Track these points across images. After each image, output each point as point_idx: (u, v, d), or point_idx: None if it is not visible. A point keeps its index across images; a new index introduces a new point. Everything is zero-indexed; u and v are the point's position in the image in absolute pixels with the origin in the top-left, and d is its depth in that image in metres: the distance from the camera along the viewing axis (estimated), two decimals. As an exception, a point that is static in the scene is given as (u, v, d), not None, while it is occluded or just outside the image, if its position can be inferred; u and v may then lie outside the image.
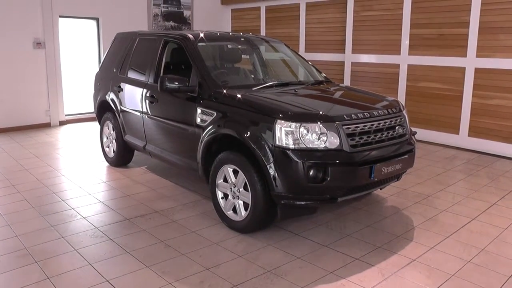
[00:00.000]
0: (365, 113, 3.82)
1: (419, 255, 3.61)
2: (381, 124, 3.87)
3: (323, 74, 5.32)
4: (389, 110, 4.02)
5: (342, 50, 8.28)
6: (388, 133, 3.93)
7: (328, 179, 3.51)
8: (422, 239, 3.90)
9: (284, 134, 3.54)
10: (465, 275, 3.31)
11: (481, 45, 6.47)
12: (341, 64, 8.27)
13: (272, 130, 3.58)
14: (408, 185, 5.29)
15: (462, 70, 6.73)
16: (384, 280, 3.25)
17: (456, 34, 6.71)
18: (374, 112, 3.88)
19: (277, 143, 3.55)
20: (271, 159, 3.56)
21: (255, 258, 3.52)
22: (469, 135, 6.78)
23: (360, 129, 3.71)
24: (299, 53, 5.57)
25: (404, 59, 7.37)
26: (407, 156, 4.04)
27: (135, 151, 5.79)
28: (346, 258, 3.54)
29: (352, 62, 8.17)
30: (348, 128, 3.65)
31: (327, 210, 4.45)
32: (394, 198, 4.88)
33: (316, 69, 5.36)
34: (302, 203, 3.68)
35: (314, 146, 3.54)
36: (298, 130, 3.52)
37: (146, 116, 5.01)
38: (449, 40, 6.81)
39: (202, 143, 4.14)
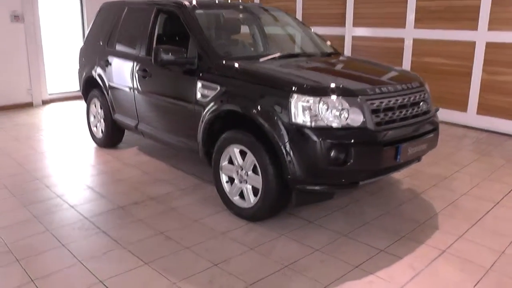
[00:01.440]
0: (388, 87, 3.35)
1: (448, 246, 3.20)
2: (405, 100, 3.41)
3: (331, 45, 4.82)
4: (412, 84, 3.56)
5: (342, 23, 7.77)
6: (413, 109, 3.47)
7: (351, 161, 3.05)
8: (448, 227, 3.49)
9: (301, 110, 3.06)
10: (502, 269, 2.91)
11: (494, 18, 6.02)
12: (341, 38, 7.76)
13: (287, 105, 3.10)
14: (421, 165, 4.86)
15: (472, 44, 6.28)
16: (416, 276, 2.83)
17: (467, 6, 6.24)
18: (397, 86, 3.42)
19: (293, 120, 3.07)
20: (286, 139, 3.08)
21: (268, 251, 3.07)
22: (477, 113, 6.37)
23: (385, 105, 3.25)
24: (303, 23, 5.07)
25: (409, 33, 6.90)
26: (432, 135, 3.60)
27: (126, 131, 5.25)
28: (370, 250, 3.11)
29: (353, 36, 7.67)
30: (373, 103, 3.18)
31: (340, 195, 4.01)
32: (409, 180, 4.46)
33: (324, 40, 4.86)
34: (320, 188, 3.22)
35: (335, 124, 3.07)
36: (317, 105, 3.05)
37: (137, 92, 4.47)
38: (459, 12, 6.34)
39: (204, 122, 3.64)
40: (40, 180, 4.34)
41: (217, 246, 3.12)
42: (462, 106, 6.50)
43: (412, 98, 3.47)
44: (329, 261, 2.97)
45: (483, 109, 6.33)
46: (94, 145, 5.45)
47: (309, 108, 3.05)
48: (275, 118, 3.13)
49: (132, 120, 4.69)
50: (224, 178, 3.61)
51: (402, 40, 7.03)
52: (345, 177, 3.21)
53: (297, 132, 3.07)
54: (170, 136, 4.18)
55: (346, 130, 3.10)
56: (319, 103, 3.05)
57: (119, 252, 3.01)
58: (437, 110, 3.92)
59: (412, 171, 4.66)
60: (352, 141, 3.08)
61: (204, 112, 3.62)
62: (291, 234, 3.30)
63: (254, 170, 3.35)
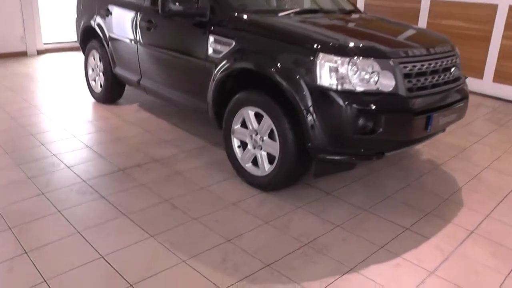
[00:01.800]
0: (421, 50, 2.96)
1: (476, 225, 2.89)
2: (437, 64, 3.02)
3: (350, 2, 4.37)
4: (444, 47, 3.17)
5: (354, -19, 7.24)
6: (445, 75, 3.10)
7: (380, 130, 2.70)
8: (473, 203, 3.18)
9: (328, 71, 2.67)
10: (541, 254, 2.62)
11: (519, -22, 5.55)
12: (353, -3, 7.24)
13: (311, 65, 2.70)
14: (439, 135, 4.52)
15: (493, 7, 5.82)
16: (446, 260, 2.52)
17: (492, -35, 5.75)
18: (430, 49, 3.03)
19: (318, 82, 2.69)
20: (310, 103, 2.71)
21: (285, 225, 2.75)
22: (493, 81, 5.99)
23: (417, 69, 2.87)
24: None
25: (427, -7, 6.41)
26: (462, 104, 3.24)
27: (126, 86, 4.82)
28: (395, 228, 2.81)
29: (365, -5, 7.16)
30: (405, 67, 2.80)
31: (359, 165, 3.66)
32: (427, 150, 4.13)
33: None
34: (343, 158, 2.87)
35: (364, 88, 2.69)
36: (345, 66, 2.66)
37: (141, 45, 4.02)
38: (482, -29, 5.85)
39: (215, 80, 3.24)
40: (34, 136, 3.95)
41: (228, 218, 2.79)
42: (478, 73, 6.10)
43: (444, 63, 3.09)
44: (351, 239, 2.66)
45: (499, 77, 5.95)
46: (92, 99, 5.03)
47: (336, 70, 2.66)
48: (298, 79, 2.74)
49: (134, 74, 4.26)
50: (235, 143, 3.25)
51: (418, 1, 6.54)
52: (371, 147, 2.86)
53: (322, 95, 2.70)
54: (176, 94, 3.78)
55: (376, 95, 2.73)
56: (348, 64, 2.66)
57: (120, 222, 2.68)
58: (466, 77, 3.55)
59: (430, 140, 4.31)
60: (382, 108, 2.71)
61: (216, 70, 3.21)
62: (308, 207, 2.97)
63: (271, 136, 2.99)
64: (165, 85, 3.89)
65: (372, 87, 2.70)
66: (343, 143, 2.78)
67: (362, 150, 2.85)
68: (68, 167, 3.35)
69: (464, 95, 3.29)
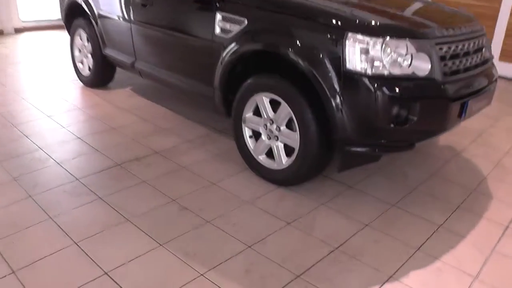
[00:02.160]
0: (455, 30, 2.61)
1: (509, 220, 2.61)
2: (470, 45, 2.69)
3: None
4: (474, 27, 2.82)
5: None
6: (477, 57, 2.76)
7: (414, 119, 2.36)
8: (502, 194, 2.90)
9: (358, 53, 2.30)
10: None
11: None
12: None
13: (340, 47, 2.33)
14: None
15: (501, -17, 5.50)
16: (487, 262, 2.24)
17: None
18: (463, 29, 2.68)
19: (348, 66, 2.32)
20: (338, 89, 2.35)
21: (309, 226, 2.42)
22: (500, 59, 5.70)
23: (452, 51, 2.53)
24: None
25: (430, -33, 6.03)
26: (492, 88, 2.92)
27: (117, 68, 4.37)
28: (427, 225, 2.50)
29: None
30: (441, 48, 2.46)
31: (376, 152, 3.34)
32: (445, 134, 3.79)
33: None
34: (372, 150, 2.53)
35: (397, 72, 2.34)
36: (378, 47, 2.29)
37: (135, 23, 3.58)
38: None
39: (223, 63, 2.84)
40: (17, 127, 3.51)
41: (245, 219, 2.44)
42: (482, 51, 5.80)
43: (476, 44, 2.76)
44: (384, 241, 2.34)
45: (505, 56, 5.66)
46: (79, 84, 4.56)
47: (367, 52, 2.30)
48: (324, 63, 2.37)
49: (127, 56, 3.82)
50: (247, 132, 2.88)
51: (421, -25, 6.16)
52: (403, 138, 2.53)
53: (351, 81, 2.34)
54: (177, 78, 3.36)
55: (411, 80, 2.38)
56: (381, 45, 2.29)
57: (123, 229, 2.31)
58: (493, 57, 3.22)
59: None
60: (418, 94, 2.37)
61: (225, 52, 2.81)
62: (331, 203, 2.64)
63: (289, 125, 2.64)
64: (164, 68, 3.47)
65: (406, 71, 2.35)
66: (374, 134, 2.44)
67: (393, 141, 2.52)
68: (58, 163, 2.94)
69: (493, 78, 2.97)
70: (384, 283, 2.04)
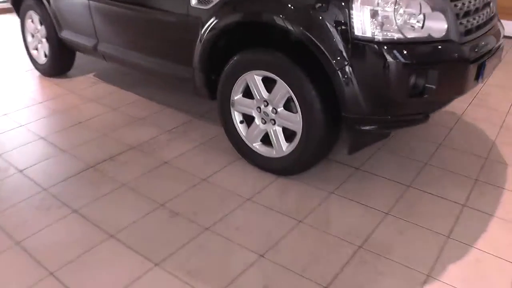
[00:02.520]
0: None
1: (532, 188, 2.35)
2: (481, 0, 2.34)
3: None
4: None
5: None
6: (486, 13, 2.42)
7: (433, 88, 2.01)
8: (515, 160, 2.64)
9: (368, 16, 1.91)
10: None
11: None
12: None
13: (346, 10, 1.93)
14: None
15: None
16: (528, 244, 1.95)
17: None
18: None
19: (355, 32, 1.93)
20: (346, 60, 1.96)
21: (323, 221, 2.07)
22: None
23: (466, 8, 2.17)
24: None
25: None
26: (501, 45, 2.60)
27: (77, 53, 3.82)
28: (450, 206, 2.20)
29: None
30: (456, 5, 2.09)
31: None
32: (440, 99, 3.51)
33: None
34: (383, 127, 2.18)
35: (413, 36, 1.97)
36: (392, 8, 1.91)
37: (95, 0, 3.05)
38: None
39: (203, 40, 2.40)
40: (-34, 130, 2.99)
41: (249, 221, 2.07)
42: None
43: (484, -2, 2.41)
44: (409, 231, 2.02)
45: (502, 13, 5.36)
46: (36, 73, 3.99)
47: (376, 14, 1.91)
48: (328, 29, 1.97)
49: (88, 39, 3.29)
50: (237, 117, 2.47)
51: None
52: (419, 109, 2.20)
53: (361, 49, 1.95)
54: (148, 59, 2.89)
55: (427, 44, 2.01)
56: (394, 5, 1.91)
57: (108, 247, 1.89)
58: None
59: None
60: (437, 59, 2.02)
61: (205, 28, 2.36)
62: (341, 191, 2.29)
63: (287, 106, 2.25)
64: (133, 49, 2.98)
65: (421, 33, 1.98)
66: (389, 108, 2.09)
67: (409, 115, 2.18)
68: (20, 171, 2.47)
69: (501, 35, 2.65)
70: (423, 286, 1.72)
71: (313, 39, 1.99)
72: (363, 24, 1.92)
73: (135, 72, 3.60)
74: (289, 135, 2.31)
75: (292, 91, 2.15)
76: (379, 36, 1.92)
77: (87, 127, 2.97)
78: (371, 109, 2.04)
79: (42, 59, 3.82)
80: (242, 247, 1.89)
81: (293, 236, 1.96)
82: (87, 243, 1.90)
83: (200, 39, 2.41)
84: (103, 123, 3.02)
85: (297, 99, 2.15)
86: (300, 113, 2.17)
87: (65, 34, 3.46)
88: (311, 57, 2.05)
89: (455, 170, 2.50)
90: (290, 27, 2.03)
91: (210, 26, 2.33)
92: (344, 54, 1.96)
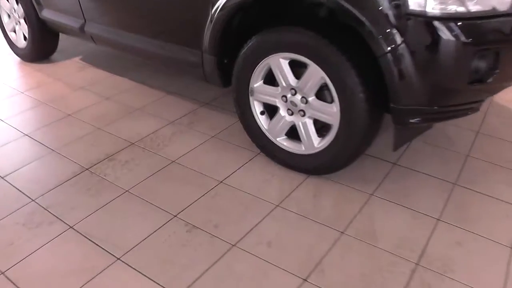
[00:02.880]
0: None
1: None
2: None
3: None
4: None
5: None
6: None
7: (497, 71, 1.67)
8: None
9: (425, -14, 1.55)
10: None
11: None
12: None
13: (399, -22, 1.56)
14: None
15: None
16: None
17: None
18: None
19: (411, 6, 1.56)
20: (398, 40, 1.60)
21: (370, 232, 1.73)
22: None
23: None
24: None
25: None
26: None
27: (61, 35, 3.37)
28: (506, 209, 1.88)
29: None
30: (518, -30, 1.73)
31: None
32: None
33: None
34: (439, 118, 1.86)
35: (477, 8, 1.60)
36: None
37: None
38: None
39: (214, 20, 2.01)
40: None
41: (283, 234, 1.72)
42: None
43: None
44: (468, 242, 1.70)
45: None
46: (16, 59, 3.53)
47: (436, -18, 1.55)
48: (376, 2, 1.60)
49: (74, 18, 2.84)
50: (257, 108, 2.10)
51: None
52: (477, 97, 1.86)
53: (417, 26, 1.59)
54: (147, 41, 2.47)
55: (492, 19, 1.66)
56: (455, -30, 1.55)
57: (115, 274, 1.53)
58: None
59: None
60: (504, 37, 1.67)
61: (217, 4, 1.96)
62: (382, 192, 1.95)
63: (319, 95, 1.88)
64: (128, 30, 2.55)
65: (485, 5, 1.62)
66: (447, 96, 1.74)
67: (465, 104, 1.84)
68: (2, 178, 2.06)
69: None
70: (501, 311, 1.41)
71: (356, 14, 1.62)
72: (416, -4, 1.55)
73: (127, 55, 3.17)
74: (319, 128, 1.95)
75: (329, 77, 1.79)
76: (436, 10, 1.56)
77: (77, 121, 2.56)
78: (427, 99, 1.70)
79: (21, 43, 3.35)
80: (279, 268, 1.55)
81: (337, 252, 1.63)
82: (89, 270, 1.54)
83: (211, 19, 2.01)
84: (96, 115, 2.61)
85: (334, 87, 1.79)
86: (338, 103, 1.81)
87: (47, 14, 3.00)
88: (351, 36, 1.69)
89: (500, 163, 2.18)
90: (337, 5, 1.66)
91: (223, 2, 1.93)
92: (395, 32, 1.59)
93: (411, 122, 1.77)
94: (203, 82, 2.33)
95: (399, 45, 1.60)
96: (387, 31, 1.60)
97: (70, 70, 3.29)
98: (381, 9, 1.59)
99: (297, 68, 1.90)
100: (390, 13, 1.59)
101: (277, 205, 1.86)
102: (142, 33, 2.46)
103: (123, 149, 2.28)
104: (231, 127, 2.44)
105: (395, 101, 1.71)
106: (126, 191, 1.96)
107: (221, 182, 2.02)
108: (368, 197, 1.92)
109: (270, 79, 2.02)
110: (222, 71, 2.18)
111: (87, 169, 2.11)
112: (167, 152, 2.24)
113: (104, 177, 2.04)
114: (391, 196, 1.93)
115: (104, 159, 2.18)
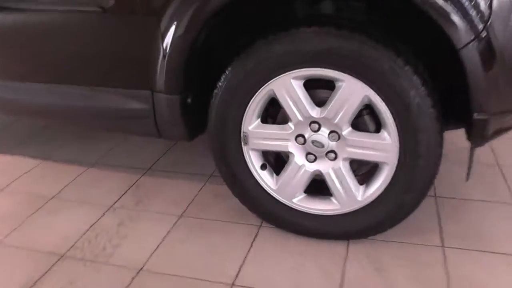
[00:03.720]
0: None
1: None
2: None
3: None
4: None
5: None
6: None
7: None
8: None
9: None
10: None
11: None
12: None
13: None
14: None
15: None
16: None
17: None
18: None
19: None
20: (481, 27, 1.05)
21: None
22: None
23: None
24: None
25: None
26: None
27: None
28: None
29: None
30: None
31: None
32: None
33: None
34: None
35: None
36: None
37: None
38: None
39: (173, 38, 1.28)
40: None
41: None
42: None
43: None
44: None
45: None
46: None
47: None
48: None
49: None
50: (255, 161, 1.38)
51: None
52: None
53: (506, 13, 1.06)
54: (65, 92, 1.57)
55: None
56: None
57: None
58: None
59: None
60: None
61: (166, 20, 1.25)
62: (464, 272, 1.34)
63: (356, 125, 1.25)
64: (29, 80, 1.64)
65: None
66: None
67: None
68: None
69: None
70: None
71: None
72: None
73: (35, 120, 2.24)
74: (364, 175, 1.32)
75: (380, 94, 1.16)
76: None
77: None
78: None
79: None
80: None
81: None
82: None
83: (163, 55, 1.28)
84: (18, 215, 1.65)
85: (388, 106, 1.16)
86: (393, 129, 1.18)
87: None
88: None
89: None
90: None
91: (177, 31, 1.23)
92: (479, 22, 1.04)
93: (495, 133, 1.22)
94: (132, 144, 1.55)
95: (483, 31, 1.04)
96: (468, 14, 1.04)
97: None
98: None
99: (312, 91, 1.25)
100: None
101: (341, 306, 1.14)
102: (56, 80, 1.58)
103: (47, 271, 1.37)
104: (200, 196, 1.69)
105: (483, 108, 1.13)
106: None
107: (232, 285, 1.25)
108: (444, 268, 1.29)
109: (265, 116, 1.35)
110: (186, 116, 1.42)
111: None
112: (123, 256, 1.40)
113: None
114: (474, 278, 1.32)
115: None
